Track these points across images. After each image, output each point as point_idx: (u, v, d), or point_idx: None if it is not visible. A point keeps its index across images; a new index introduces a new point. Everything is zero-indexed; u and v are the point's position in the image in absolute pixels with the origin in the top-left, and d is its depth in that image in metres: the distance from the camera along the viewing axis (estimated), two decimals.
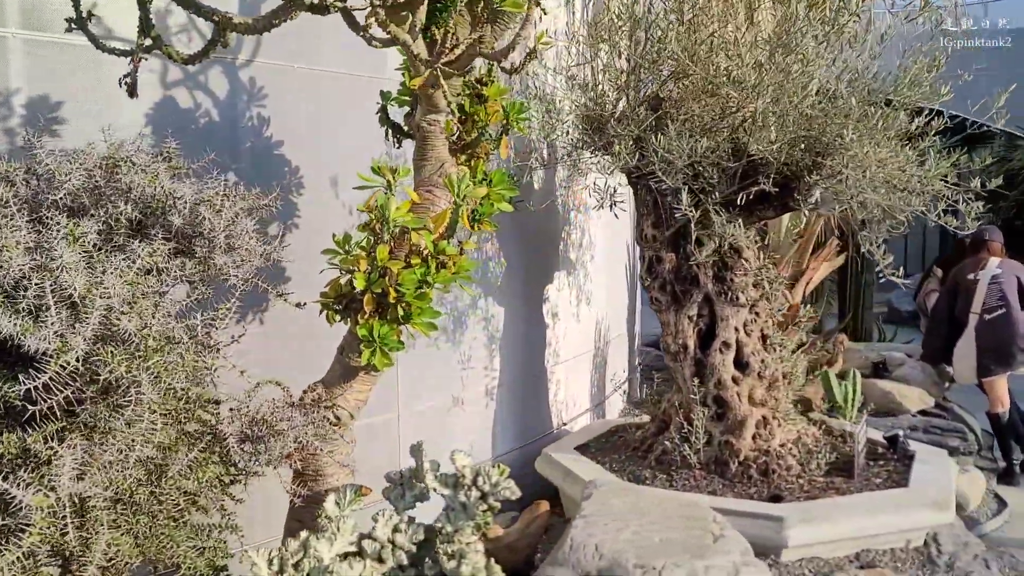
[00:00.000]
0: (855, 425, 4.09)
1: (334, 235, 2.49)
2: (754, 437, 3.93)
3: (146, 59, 2.36)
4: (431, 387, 4.02)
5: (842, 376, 6.11)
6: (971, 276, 6.06)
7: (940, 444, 5.75)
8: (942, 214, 3.75)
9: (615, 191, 4.03)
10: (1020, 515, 5.41)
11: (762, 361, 3.97)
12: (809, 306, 6.23)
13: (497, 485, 2.38)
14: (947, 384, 6.81)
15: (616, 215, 4.17)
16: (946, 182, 3.59)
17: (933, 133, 3.67)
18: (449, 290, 2.58)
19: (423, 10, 2.25)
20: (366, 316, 2.40)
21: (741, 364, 3.98)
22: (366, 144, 3.28)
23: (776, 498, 3.60)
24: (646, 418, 4.56)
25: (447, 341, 4.10)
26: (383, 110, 2.90)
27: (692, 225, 3.42)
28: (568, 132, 4.04)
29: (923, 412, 6.42)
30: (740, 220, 3.76)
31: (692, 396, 3.97)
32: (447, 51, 2.22)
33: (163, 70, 2.95)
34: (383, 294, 2.39)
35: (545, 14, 2.40)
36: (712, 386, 3.95)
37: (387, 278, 2.37)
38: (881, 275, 3.70)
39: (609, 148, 3.74)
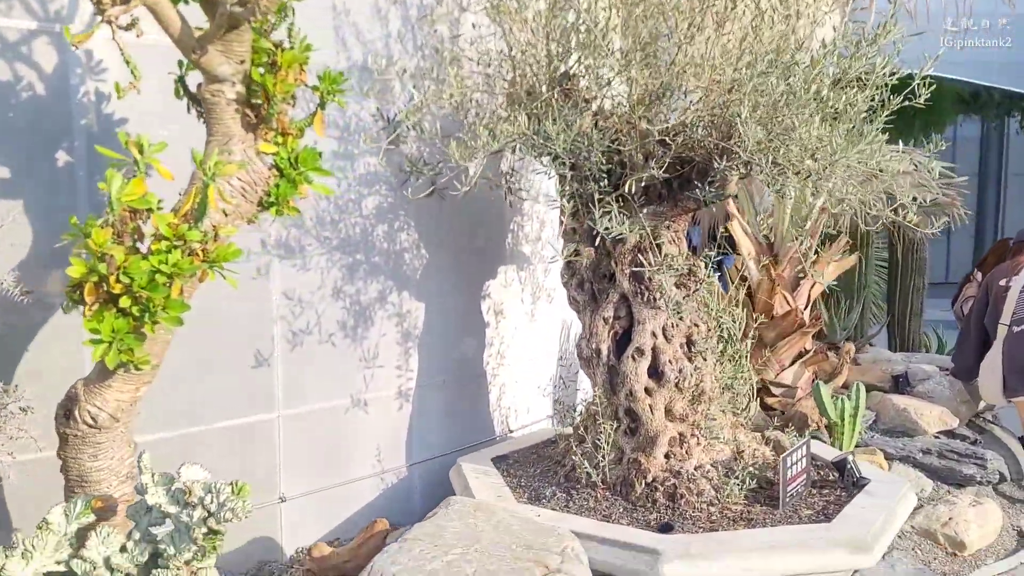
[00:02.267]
0: (795, 445, 3.57)
1: (71, 217, 2.23)
2: (667, 456, 3.48)
3: None
4: (321, 386, 3.74)
5: (846, 389, 5.51)
6: (1003, 282, 5.36)
7: (953, 471, 5.11)
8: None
9: (510, 175, 3.65)
10: None
11: (679, 371, 3.50)
12: (811, 310, 5.64)
13: (224, 505, 2.08)
14: (982, 403, 6.06)
15: (511, 204, 3.78)
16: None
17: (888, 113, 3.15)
18: (203, 279, 2.29)
19: None
20: (91, 308, 2.14)
21: (657, 373, 3.53)
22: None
23: (667, 527, 3.16)
24: None
25: (345, 337, 3.81)
26: (181, 80, 2.63)
27: (566, 216, 3.02)
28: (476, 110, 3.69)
29: (948, 433, 5.73)
30: (647, 211, 3.35)
31: (597, 407, 3.55)
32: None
33: None
34: (109, 282, 2.12)
35: None
36: (623, 397, 3.52)
37: (108, 265, 2.11)
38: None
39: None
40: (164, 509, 2.14)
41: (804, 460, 3.56)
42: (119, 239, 2.16)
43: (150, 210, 2.28)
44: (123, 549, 2.16)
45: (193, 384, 3.32)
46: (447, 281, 4.24)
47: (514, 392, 4.73)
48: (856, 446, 5.19)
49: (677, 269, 3.52)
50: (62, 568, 2.11)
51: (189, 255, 2.21)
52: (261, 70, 2.48)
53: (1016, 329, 5.20)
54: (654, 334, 3.54)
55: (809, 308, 5.64)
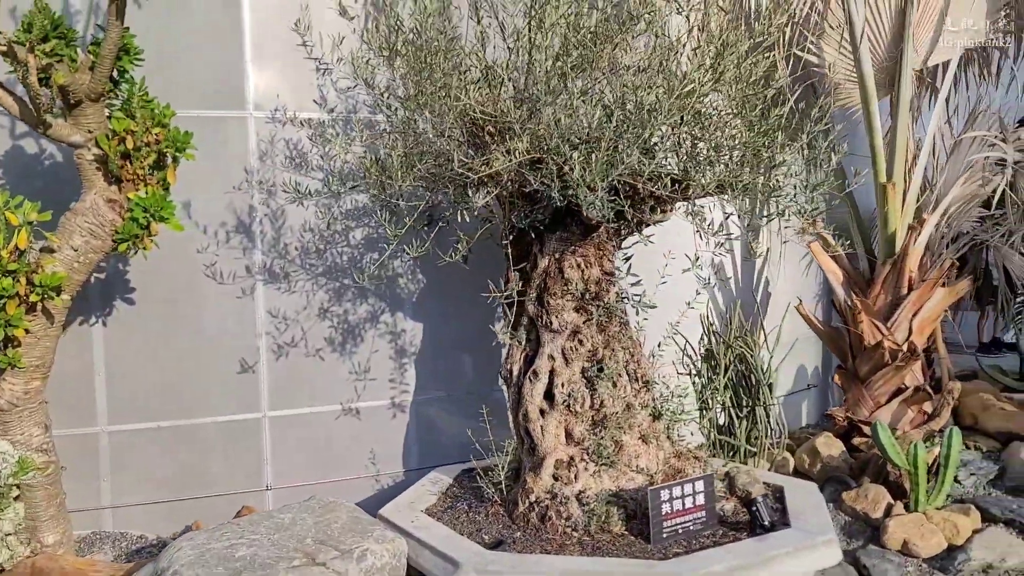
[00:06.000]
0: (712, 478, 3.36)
1: None
2: (556, 478, 3.49)
3: None
4: (309, 393, 4.30)
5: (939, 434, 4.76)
6: None
7: None
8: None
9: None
10: None
11: (569, 394, 3.50)
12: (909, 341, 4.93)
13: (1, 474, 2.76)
14: None
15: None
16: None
17: None
18: (31, 301, 2.99)
19: None
20: None
21: (551, 396, 3.57)
22: None
23: (498, 543, 3.22)
24: None
25: (332, 351, 4.34)
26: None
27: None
28: None
29: None
30: (554, 238, 3.50)
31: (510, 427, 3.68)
32: None
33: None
34: None
35: None
36: (521, 417, 3.61)
37: None
38: None
39: None
40: None
41: (701, 496, 3.34)
42: None
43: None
44: None
45: (184, 387, 4.10)
46: (446, 303, 4.58)
47: None
48: (956, 501, 4.48)
49: (573, 294, 3.54)
50: None
51: (15, 282, 2.94)
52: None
53: None
54: (552, 357, 3.59)
55: (912, 338, 4.95)
